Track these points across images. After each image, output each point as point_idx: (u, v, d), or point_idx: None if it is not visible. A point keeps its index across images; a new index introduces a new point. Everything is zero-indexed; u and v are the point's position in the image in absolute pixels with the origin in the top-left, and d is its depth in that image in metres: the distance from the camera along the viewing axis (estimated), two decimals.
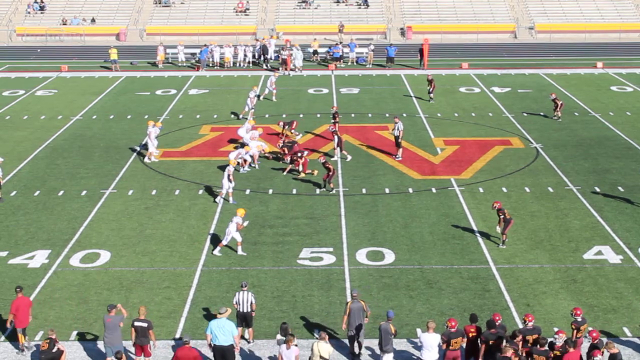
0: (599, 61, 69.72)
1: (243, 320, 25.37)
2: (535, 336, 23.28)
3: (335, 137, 43.51)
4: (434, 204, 37.16)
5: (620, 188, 38.94)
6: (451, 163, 42.75)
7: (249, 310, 25.27)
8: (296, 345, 22.68)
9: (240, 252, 31.87)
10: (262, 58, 70.06)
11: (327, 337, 23.12)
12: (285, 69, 66.38)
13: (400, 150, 43.53)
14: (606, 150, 44.85)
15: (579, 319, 23.79)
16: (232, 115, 52.36)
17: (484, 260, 31.22)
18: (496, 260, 31.15)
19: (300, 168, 40.75)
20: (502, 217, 32.22)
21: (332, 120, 45.83)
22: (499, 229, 32.46)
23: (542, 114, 52.72)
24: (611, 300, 28.16)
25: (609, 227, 34.33)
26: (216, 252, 31.87)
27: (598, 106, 54.48)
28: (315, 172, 40.32)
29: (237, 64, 69.44)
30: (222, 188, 37.59)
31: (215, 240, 32.96)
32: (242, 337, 25.27)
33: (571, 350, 22.14)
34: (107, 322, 23.75)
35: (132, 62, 70.99)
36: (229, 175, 37.08)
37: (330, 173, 38.37)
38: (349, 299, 28.03)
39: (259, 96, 56.51)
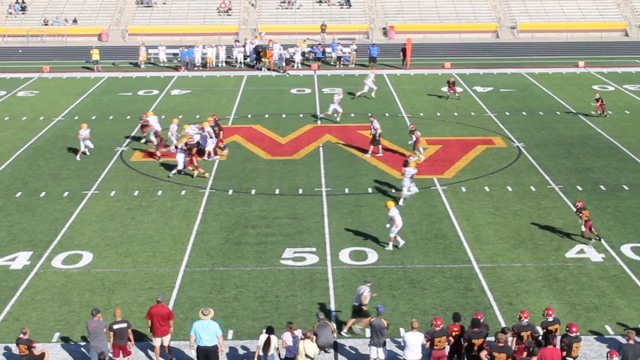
0: (580, 60, 70.01)
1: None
2: (529, 332, 23.37)
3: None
4: (416, 203, 37.19)
5: (602, 187, 39.09)
6: (434, 162, 42.81)
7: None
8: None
9: (389, 247, 32.16)
10: (249, 59, 69.88)
11: (314, 337, 23.13)
12: (284, 70, 66.58)
13: (372, 147, 43.75)
14: (588, 149, 45.01)
15: (550, 319, 23.89)
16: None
17: (467, 260, 31.28)
18: (479, 259, 31.21)
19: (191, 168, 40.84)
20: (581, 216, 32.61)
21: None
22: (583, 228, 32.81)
23: (524, 113, 52.87)
24: (593, 299, 28.26)
25: None
26: (389, 247, 32.21)
27: (580, 105, 54.64)
28: (207, 174, 40.44)
29: (219, 65, 69.41)
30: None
31: (200, 240, 32.95)
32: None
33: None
34: (92, 327, 23.65)
35: (114, 63, 70.80)
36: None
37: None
38: (331, 300, 28.11)
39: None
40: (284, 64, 67.30)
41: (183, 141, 41.75)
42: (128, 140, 46.88)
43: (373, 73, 58.87)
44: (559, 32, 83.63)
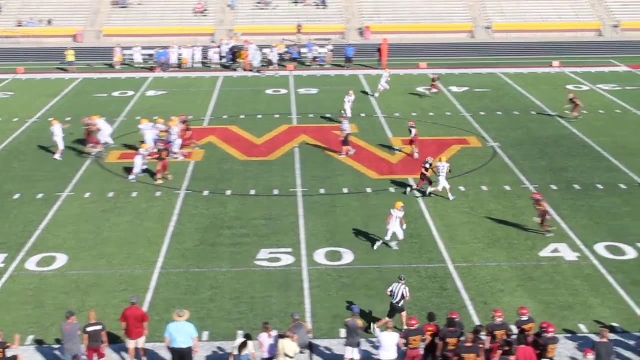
0: (555, 60, 70.30)
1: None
2: (503, 332, 23.47)
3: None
4: (392, 203, 37.11)
5: (576, 186, 39.29)
6: (409, 163, 42.87)
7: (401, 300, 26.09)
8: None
9: (394, 247, 32.27)
10: (225, 59, 69.77)
11: (295, 336, 23.11)
12: (259, 71, 66.63)
13: (345, 148, 43.81)
14: (562, 149, 45.22)
15: (524, 319, 24.00)
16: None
17: (442, 259, 31.38)
18: (454, 259, 31.31)
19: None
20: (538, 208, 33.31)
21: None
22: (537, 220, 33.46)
23: (499, 112, 53.05)
24: (567, 298, 28.42)
25: (565, 225, 34.63)
26: (394, 246, 32.29)
27: (555, 105, 54.88)
28: (170, 176, 40.37)
29: (194, 65, 69.31)
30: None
31: (175, 242, 32.88)
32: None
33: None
34: (66, 330, 23.57)
35: (89, 64, 70.49)
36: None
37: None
38: (307, 300, 28.13)
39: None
40: (263, 64, 67.35)
41: (146, 146, 41.76)
42: (104, 142, 46.61)
43: (387, 72, 59.07)
44: (534, 32, 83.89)
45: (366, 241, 33.03)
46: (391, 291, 26.14)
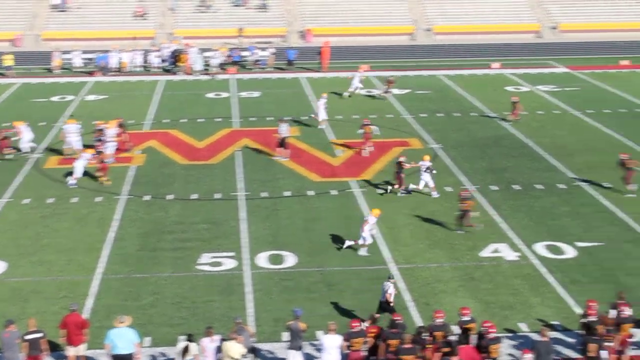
0: (495, 62, 70.94)
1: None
2: (442, 333, 23.59)
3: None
4: (334, 206, 37.32)
5: (516, 186, 39.66)
6: (351, 165, 42.97)
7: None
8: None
9: (363, 253, 32.09)
10: (166, 63, 69.34)
11: (240, 337, 23.02)
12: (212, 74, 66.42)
13: (280, 150, 43.90)
14: (502, 150, 45.64)
15: (465, 319, 24.18)
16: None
17: (384, 261, 31.46)
18: (396, 260, 31.43)
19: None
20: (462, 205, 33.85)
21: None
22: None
23: (440, 114, 53.39)
24: (508, 297, 28.67)
25: (505, 225, 34.94)
26: (363, 252, 32.16)
27: (495, 106, 55.35)
28: (109, 182, 40.17)
29: (135, 69, 68.80)
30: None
31: (116, 247, 32.62)
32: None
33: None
34: (5, 338, 23.25)
35: (28, 69, 69.59)
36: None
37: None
38: (249, 304, 28.05)
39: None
40: (206, 68, 67.20)
41: (90, 151, 41.52)
42: (44, 147, 46.11)
43: (361, 72, 59.19)
44: (475, 34, 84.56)
45: (309, 244, 33.03)
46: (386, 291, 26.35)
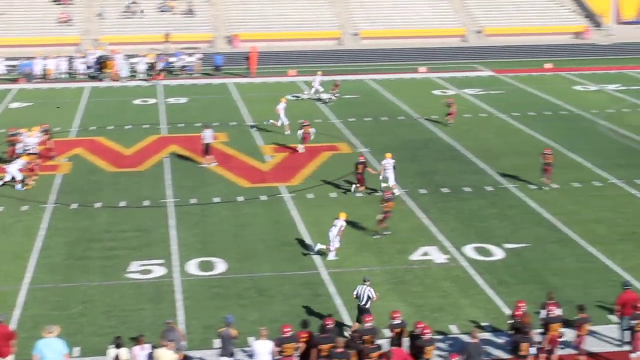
0: (422, 66, 71.54)
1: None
2: (370, 337, 23.68)
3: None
4: (264, 211, 37.26)
5: (445, 189, 40.01)
6: (280, 170, 42.96)
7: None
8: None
9: (332, 257, 31.87)
10: (92, 70, 68.57)
11: (171, 344, 22.82)
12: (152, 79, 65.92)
13: (207, 157, 43.77)
14: (431, 153, 46.03)
15: (396, 322, 24.32)
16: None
17: (315, 266, 31.49)
18: (327, 265, 31.47)
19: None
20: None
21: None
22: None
23: (369, 119, 53.64)
24: (438, 300, 28.89)
25: (435, 228, 35.22)
26: (332, 256, 31.95)
27: (423, 110, 55.79)
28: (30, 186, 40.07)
29: (60, 76, 67.97)
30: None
31: (43, 257, 32.18)
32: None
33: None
34: None
35: None
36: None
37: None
38: (180, 312, 27.88)
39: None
40: (132, 74, 66.70)
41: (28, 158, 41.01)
42: None
43: (320, 75, 59.59)
44: (401, 38, 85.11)
45: (239, 250, 32.92)
46: (357, 294, 26.22)
